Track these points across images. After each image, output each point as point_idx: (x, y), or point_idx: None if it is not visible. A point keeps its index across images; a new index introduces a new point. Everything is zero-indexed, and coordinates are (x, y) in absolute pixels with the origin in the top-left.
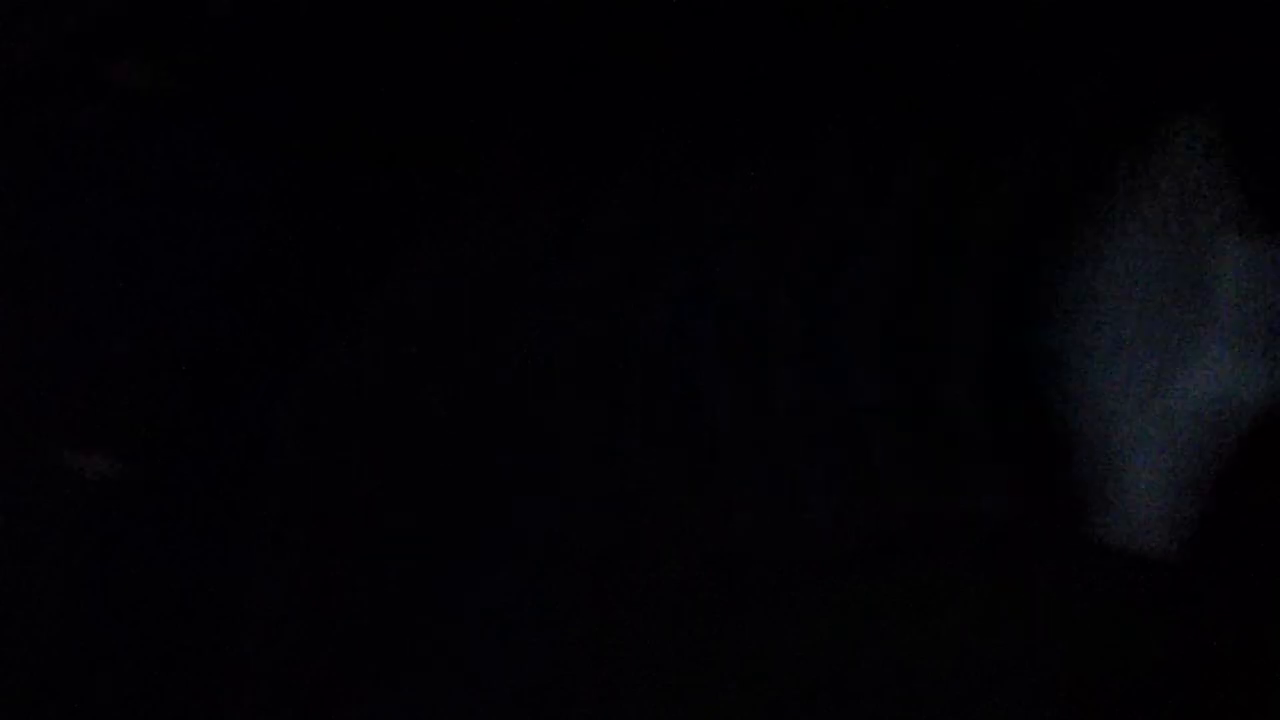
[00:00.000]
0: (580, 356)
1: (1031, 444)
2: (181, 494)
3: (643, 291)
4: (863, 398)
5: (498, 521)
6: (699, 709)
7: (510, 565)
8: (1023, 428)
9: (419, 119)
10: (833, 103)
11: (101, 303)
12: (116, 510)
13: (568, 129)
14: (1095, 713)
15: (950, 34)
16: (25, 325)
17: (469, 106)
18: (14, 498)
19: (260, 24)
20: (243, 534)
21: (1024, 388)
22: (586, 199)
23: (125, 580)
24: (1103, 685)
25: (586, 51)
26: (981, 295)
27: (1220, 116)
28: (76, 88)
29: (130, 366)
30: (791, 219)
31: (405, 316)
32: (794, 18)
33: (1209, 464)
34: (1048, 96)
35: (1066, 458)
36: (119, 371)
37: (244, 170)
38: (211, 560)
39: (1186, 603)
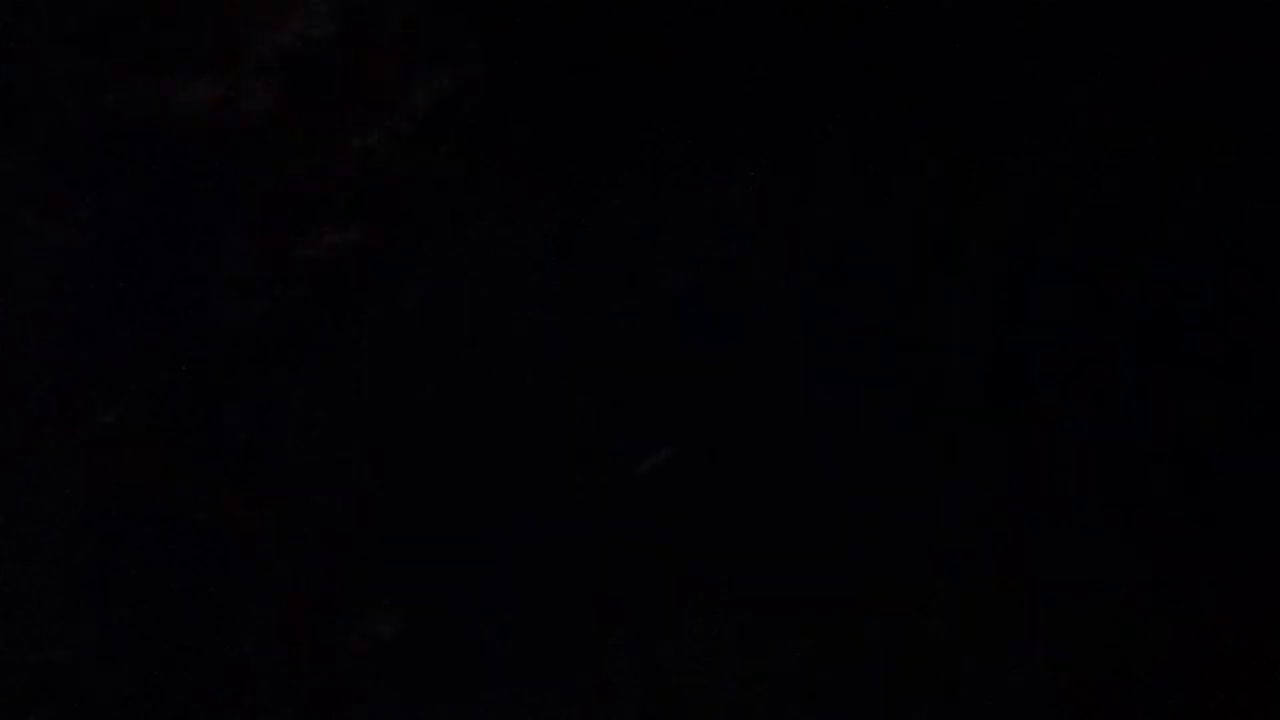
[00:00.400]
0: (580, 356)
1: (1031, 444)
2: (182, 494)
3: (643, 291)
4: (863, 397)
5: (496, 521)
6: (699, 708)
7: (510, 564)
8: (1023, 428)
9: (419, 119)
10: (833, 103)
11: (101, 303)
12: (116, 510)
13: (568, 129)
14: (1095, 713)
15: (950, 34)
16: (25, 325)
17: (469, 107)
18: (14, 498)
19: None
20: (243, 534)
21: (1024, 388)
22: (586, 199)
23: (125, 580)
24: (1103, 685)
25: (586, 52)
26: (981, 295)
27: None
28: (76, 88)
29: (130, 366)
30: (791, 219)
31: (405, 316)
32: (794, 18)
33: None
34: (1048, 96)
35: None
36: (119, 371)
37: (244, 170)
38: (211, 560)
39: (1186, 603)
